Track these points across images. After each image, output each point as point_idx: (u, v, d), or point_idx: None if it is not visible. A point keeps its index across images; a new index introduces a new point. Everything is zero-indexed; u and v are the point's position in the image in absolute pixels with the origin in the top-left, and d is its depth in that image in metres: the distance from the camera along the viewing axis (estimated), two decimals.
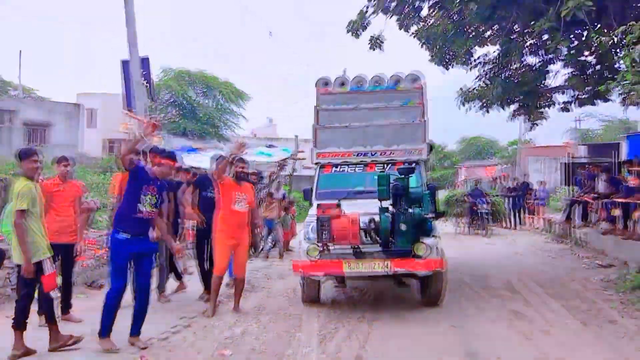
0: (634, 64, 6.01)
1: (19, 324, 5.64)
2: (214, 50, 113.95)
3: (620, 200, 11.87)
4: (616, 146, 21.32)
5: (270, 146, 30.59)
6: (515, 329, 6.84)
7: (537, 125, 14.55)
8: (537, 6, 10.67)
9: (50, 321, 5.86)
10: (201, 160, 12.20)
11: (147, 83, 12.68)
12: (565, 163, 18.63)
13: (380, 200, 7.27)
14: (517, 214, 21.46)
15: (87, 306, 7.54)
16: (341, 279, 7.91)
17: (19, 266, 5.78)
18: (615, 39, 6.82)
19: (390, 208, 7.31)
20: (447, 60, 13.26)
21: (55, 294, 5.95)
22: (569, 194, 17.10)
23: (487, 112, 13.59)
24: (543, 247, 15.28)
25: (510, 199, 21.47)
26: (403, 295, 8.83)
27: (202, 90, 40.80)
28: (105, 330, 5.79)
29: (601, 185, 13.68)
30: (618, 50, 9.56)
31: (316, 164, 9.20)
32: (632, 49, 6.10)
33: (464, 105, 13.73)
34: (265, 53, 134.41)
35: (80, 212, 7.13)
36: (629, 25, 6.24)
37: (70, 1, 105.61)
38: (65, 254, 6.92)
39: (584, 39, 10.81)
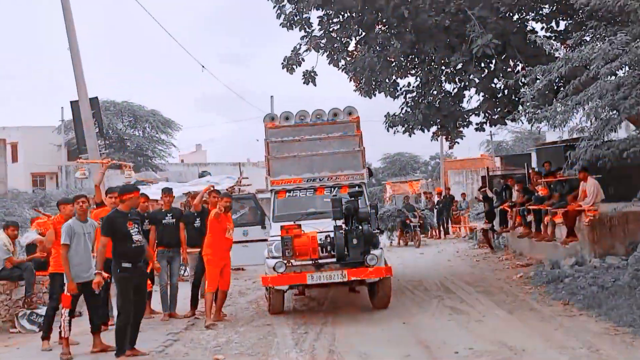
0: (532, 99, 7.58)
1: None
2: (134, 77, 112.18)
3: (532, 207, 13.57)
4: (527, 157, 23.53)
5: (204, 173, 31.20)
6: (455, 321, 8.16)
7: (457, 143, 16.10)
8: (451, 41, 12.25)
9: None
10: (154, 192, 12.88)
11: (96, 122, 13.35)
12: (484, 176, 20.48)
13: (335, 219, 8.48)
14: (443, 225, 23.24)
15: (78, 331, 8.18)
16: (302, 289, 9.07)
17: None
18: (518, 75, 8.29)
19: (343, 226, 8.52)
20: (371, 90, 14.62)
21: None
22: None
23: (411, 135, 15.01)
24: (469, 253, 16.90)
25: (437, 210, 23.22)
26: (355, 301, 10.01)
27: (129, 120, 40.89)
28: (121, 349, 6.69)
29: (516, 195, 15.42)
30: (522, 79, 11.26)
31: (271, 190, 10.29)
32: (531, 88, 7.65)
33: (390, 129, 15.10)
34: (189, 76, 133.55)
35: None
36: (528, 69, 7.75)
37: None
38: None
39: (492, 68, 12.44)
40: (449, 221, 23.36)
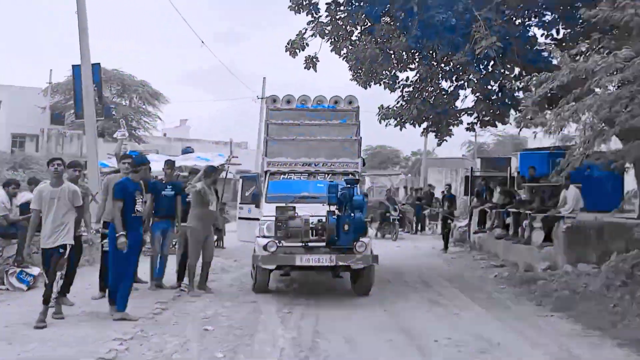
0: (532, 105, 7.98)
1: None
2: (128, 48, 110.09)
3: (512, 210, 13.93)
4: (508, 160, 23.93)
5: (187, 149, 31.01)
6: (434, 313, 8.47)
7: (445, 140, 16.36)
8: (455, 40, 12.45)
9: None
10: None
11: (97, 89, 13.35)
12: (467, 176, 20.82)
13: (330, 205, 8.70)
14: (422, 220, 23.58)
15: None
16: (288, 270, 9.31)
17: None
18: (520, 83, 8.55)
19: (336, 212, 8.74)
20: (368, 81, 14.78)
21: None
22: (469, 204, 19.15)
23: (401, 129, 15.23)
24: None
25: (417, 206, 23.54)
26: (336, 286, 10.28)
27: (117, 89, 40.32)
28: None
29: (497, 197, 15.77)
30: (517, 83, 11.55)
31: (266, 171, 10.44)
32: (531, 94, 8.01)
33: (382, 121, 15.30)
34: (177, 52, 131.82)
35: None
36: (531, 76, 8.04)
37: None
38: None
39: (490, 70, 12.70)
40: (426, 217, 23.70)
